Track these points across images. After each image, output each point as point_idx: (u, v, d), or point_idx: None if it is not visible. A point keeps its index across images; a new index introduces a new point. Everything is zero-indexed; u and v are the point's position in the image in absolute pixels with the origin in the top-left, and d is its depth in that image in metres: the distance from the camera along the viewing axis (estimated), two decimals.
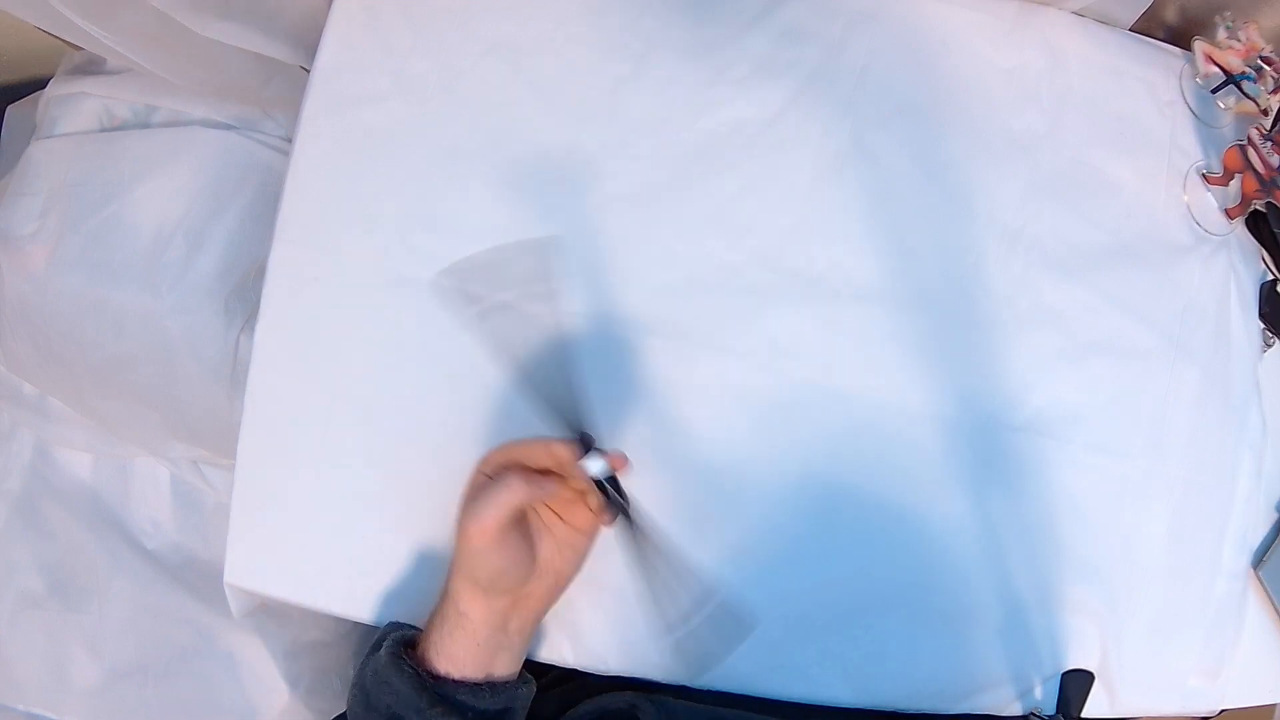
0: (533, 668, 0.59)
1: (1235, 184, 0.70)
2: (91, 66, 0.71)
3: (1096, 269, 0.68)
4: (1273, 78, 0.69)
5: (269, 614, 0.72)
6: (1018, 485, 0.65)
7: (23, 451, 0.75)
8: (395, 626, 0.53)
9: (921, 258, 0.66)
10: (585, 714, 0.55)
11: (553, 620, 0.59)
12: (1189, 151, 0.72)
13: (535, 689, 0.52)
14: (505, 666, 0.49)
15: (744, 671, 0.60)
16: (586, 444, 0.46)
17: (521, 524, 0.47)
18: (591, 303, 0.62)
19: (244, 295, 0.67)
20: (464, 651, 0.47)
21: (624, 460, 0.48)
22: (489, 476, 0.48)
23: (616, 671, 0.59)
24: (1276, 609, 0.69)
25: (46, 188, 0.67)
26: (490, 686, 0.47)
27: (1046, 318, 0.67)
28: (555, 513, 0.51)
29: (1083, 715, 0.61)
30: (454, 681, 0.46)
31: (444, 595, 0.48)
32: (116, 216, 0.65)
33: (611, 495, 0.46)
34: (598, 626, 0.59)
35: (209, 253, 0.66)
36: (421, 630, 0.50)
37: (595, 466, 0.45)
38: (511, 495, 0.45)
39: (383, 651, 0.48)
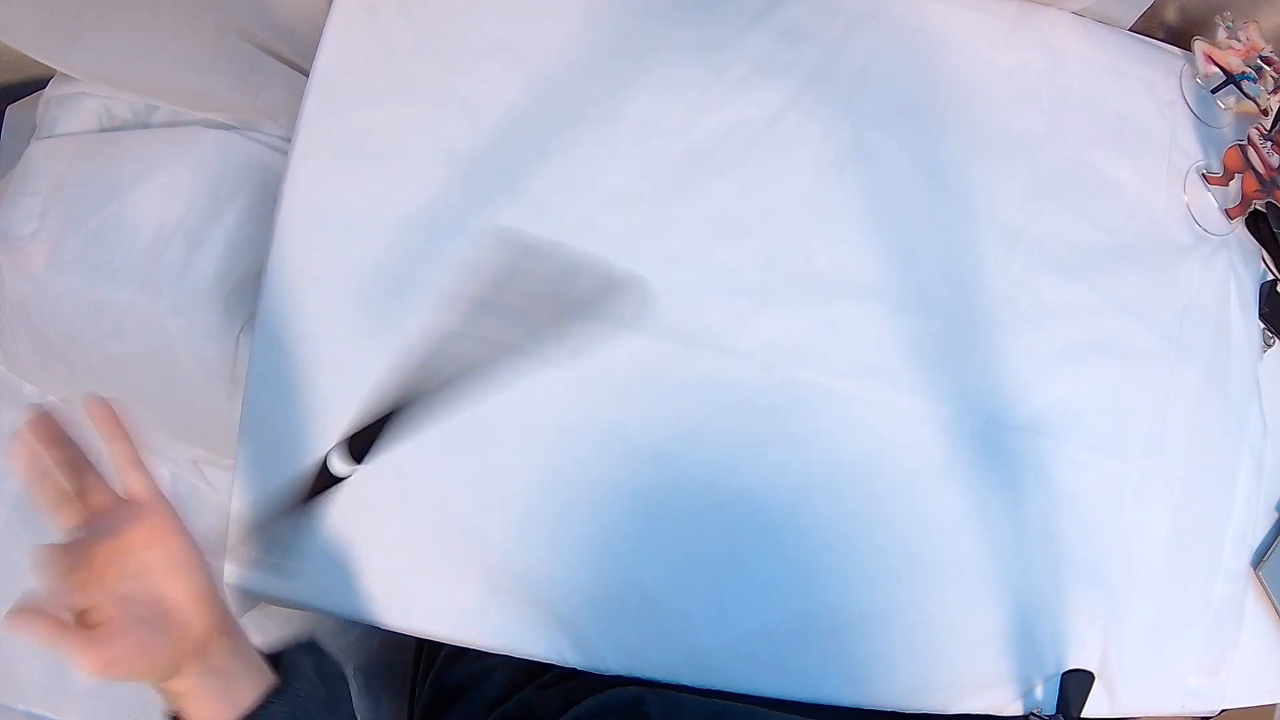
0: (533, 667, 0.59)
1: (1235, 184, 0.70)
2: None
3: (1096, 269, 0.68)
4: (1273, 78, 0.70)
5: (269, 614, 0.72)
6: (1018, 485, 0.65)
7: None
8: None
9: (921, 258, 0.66)
10: (590, 709, 0.55)
11: (553, 620, 0.59)
12: (1189, 151, 0.72)
13: (285, 679, 0.43)
14: (249, 692, 0.41)
15: (746, 671, 0.60)
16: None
17: (104, 615, 0.38)
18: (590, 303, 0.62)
19: (244, 295, 0.67)
20: (211, 714, 0.40)
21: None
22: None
23: (616, 671, 0.59)
24: (1276, 609, 0.69)
25: (46, 188, 0.67)
26: None
27: (1046, 318, 0.67)
28: (98, 571, 0.39)
29: (1083, 715, 0.62)
30: None
31: (163, 699, 0.41)
32: (116, 216, 0.65)
33: None
34: (598, 626, 0.59)
35: (209, 253, 0.66)
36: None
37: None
38: (50, 633, 0.37)
39: None
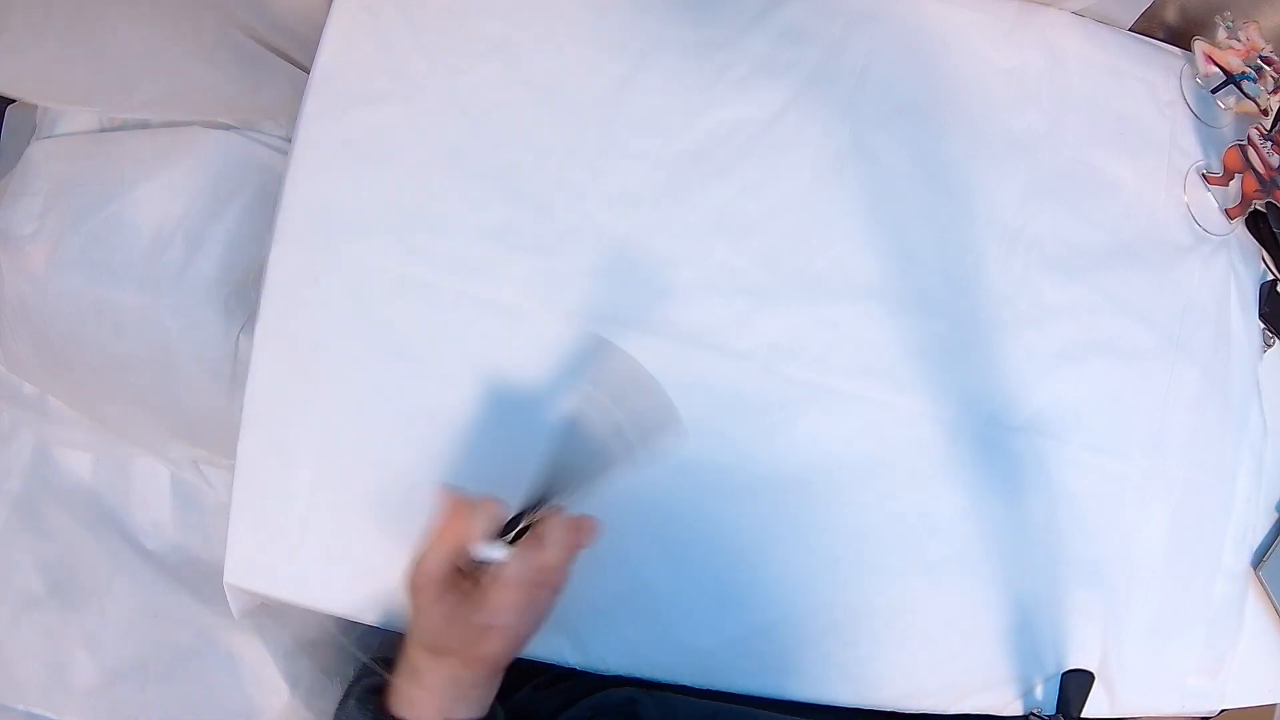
0: (530, 668, 0.59)
1: (1235, 184, 0.70)
2: None
3: (1096, 269, 0.68)
4: (1273, 78, 0.70)
5: (269, 614, 0.71)
6: (1018, 485, 0.65)
7: (23, 451, 0.74)
8: (365, 673, 0.52)
9: (921, 258, 0.66)
10: (585, 709, 0.55)
11: (553, 620, 0.59)
12: (1189, 151, 0.72)
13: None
14: (467, 712, 0.48)
15: (746, 671, 0.60)
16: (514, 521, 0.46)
17: (465, 584, 0.45)
18: (591, 303, 0.62)
19: (244, 295, 0.67)
20: (421, 702, 0.46)
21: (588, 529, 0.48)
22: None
23: (616, 671, 0.59)
24: (1276, 609, 0.69)
25: (46, 188, 0.67)
26: None
27: (1046, 318, 0.67)
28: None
29: (1083, 715, 0.62)
30: None
31: (404, 648, 0.48)
32: (116, 216, 0.65)
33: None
34: (597, 626, 0.59)
35: (209, 253, 0.66)
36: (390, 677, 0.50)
37: (495, 554, 0.45)
38: (440, 549, 0.45)
39: (352, 700, 0.49)
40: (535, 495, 0.47)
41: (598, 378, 0.46)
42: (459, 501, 0.46)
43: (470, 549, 0.45)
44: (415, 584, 0.45)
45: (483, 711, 0.48)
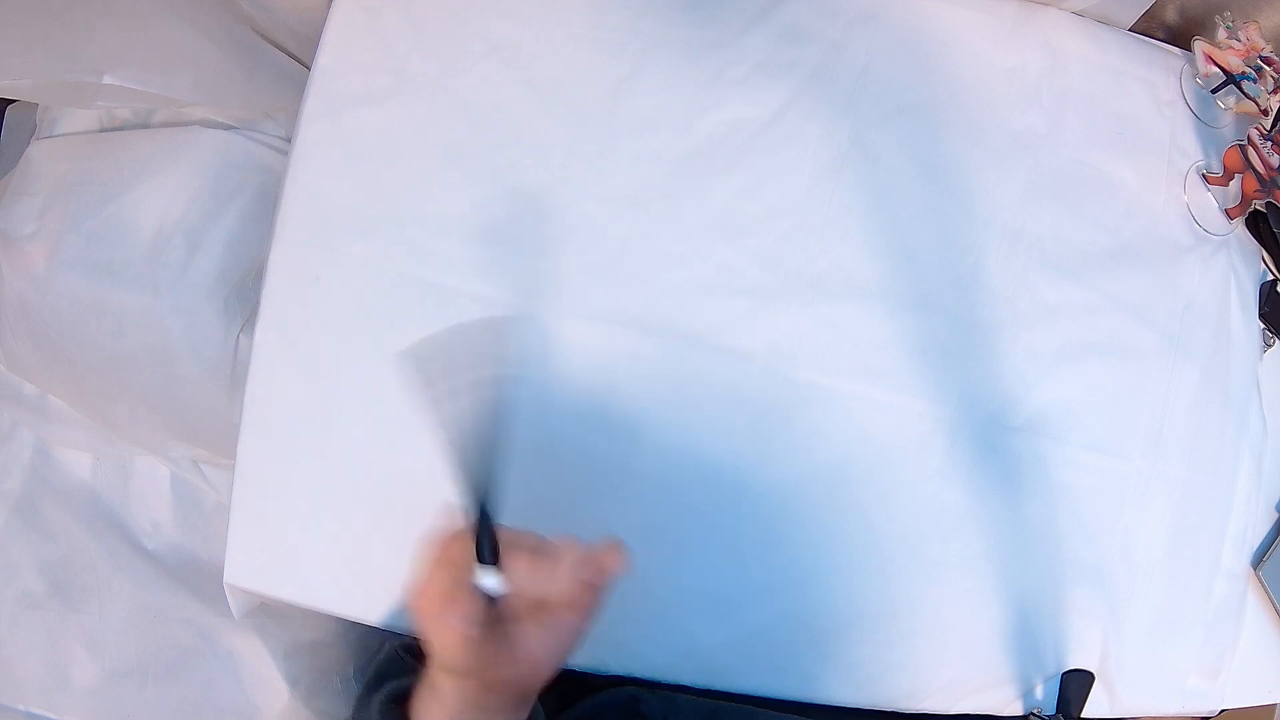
0: None
1: (1235, 184, 0.70)
2: None
3: (1096, 269, 0.68)
4: (1273, 78, 0.70)
5: (269, 614, 0.72)
6: (1017, 485, 0.65)
7: (23, 451, 0.74)
8: (388, 666, 0.50)
9: (921, 258, 0.66)
10: (588, 709, 0.55)
11: None
12: (1189, 151, 0.72)
13: None
14: None
15: (746, 671, 0.60)
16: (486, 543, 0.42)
17: (478, 604, 0.42)
18: (591, 303, 0.62)
19: (244, 295, 0.67)
20: None
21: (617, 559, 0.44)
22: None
23: (616, 672, 0.59)
24: (1276, 609, 0.69)
25: (46, 188, 0.67)
26: None
27: (1046, 317, 0.67)
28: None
29: (1083, 715, 0.62)
30: None
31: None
32: (116, 216, 0.65)
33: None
34: (597, 627, 0.59)
35: (209, 253, 0.66)
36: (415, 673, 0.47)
37: (490, 583, 0.40)
38: (439, 574, 0.42)
39: (376, 705, 0.46)
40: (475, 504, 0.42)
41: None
42: (455, 526, 0.43)
43: (470, 579, 0.41)
44: (417, 607, 0.42)
45: None
